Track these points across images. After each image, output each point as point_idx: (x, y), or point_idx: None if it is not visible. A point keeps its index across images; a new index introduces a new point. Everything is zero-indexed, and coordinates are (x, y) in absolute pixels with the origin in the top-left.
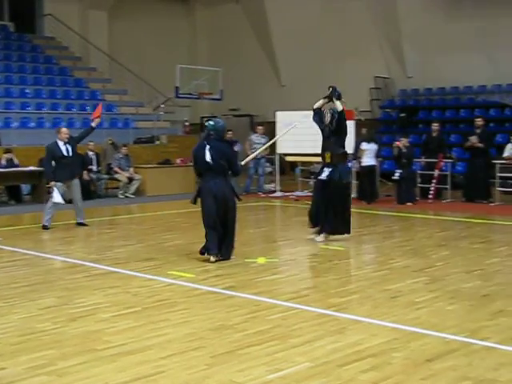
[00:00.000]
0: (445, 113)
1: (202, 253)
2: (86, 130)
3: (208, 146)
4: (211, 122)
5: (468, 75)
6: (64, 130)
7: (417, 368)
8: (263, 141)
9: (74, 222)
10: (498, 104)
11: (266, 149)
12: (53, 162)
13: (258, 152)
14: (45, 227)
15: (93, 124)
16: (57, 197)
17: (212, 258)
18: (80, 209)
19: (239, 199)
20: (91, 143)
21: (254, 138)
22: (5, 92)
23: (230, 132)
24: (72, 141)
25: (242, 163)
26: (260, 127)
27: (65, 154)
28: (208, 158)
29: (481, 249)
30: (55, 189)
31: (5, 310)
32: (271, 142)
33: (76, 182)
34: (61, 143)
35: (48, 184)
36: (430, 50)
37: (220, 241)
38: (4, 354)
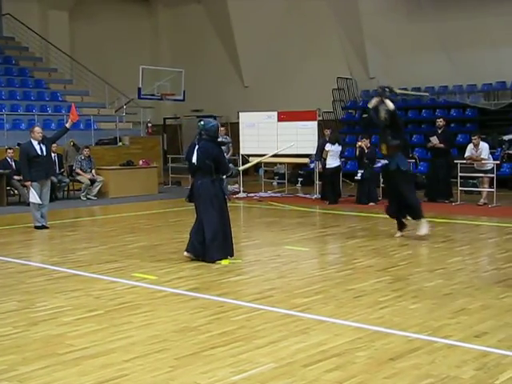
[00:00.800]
0: (407, 113)
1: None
2: (60, 130)
3: (197, 147)
4: (202, 122)
5: (429, 76)
6: (37, 129)
7: (380, 367)
8: (224, 141)
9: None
10: (459, 104)
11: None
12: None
13: (258, 160)
14: (38, 227)
15: (67, 124)
16: (33, 197)
17: (185, 254)
18: (45, 211)
19: (229, 199)
20: (53, 145)
21: None
22: None
23: (222, 128)
24: (46, 140)
25: (240, 168)
26: (222, 128)
27: (39, 153)
28: (194, 158)
29: (443, 248)
30: (32, 189)
31: None
32: (271, 154)
33: (48, 183)
34: (35, 142)
35: (25, 184)
36: (392, 51)
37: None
38: None
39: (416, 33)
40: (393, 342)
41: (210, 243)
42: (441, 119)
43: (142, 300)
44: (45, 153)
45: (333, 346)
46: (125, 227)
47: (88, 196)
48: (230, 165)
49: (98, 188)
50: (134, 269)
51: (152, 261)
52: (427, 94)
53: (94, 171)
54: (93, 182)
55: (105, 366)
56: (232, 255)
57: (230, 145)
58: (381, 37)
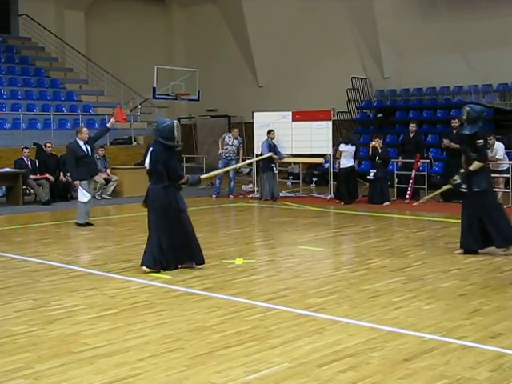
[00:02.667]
0: (422, 113)
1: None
2: (101, 130)
3: (150, 149)
4: (155, 122)
5: (444, 76)
6: (85, 129)
7: (394, 367)
8: (235, 143)
9: (50, 223)
10: (474, 104)
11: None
12: None
13: (225, 170)
14: (80, 225)
15: (108, 124)
16: (82, 195)
17: (145, 269)
18: (88, 208)
19: (182, 209)
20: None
21: (227, 138)
22: None
23: (236, 130)
24: (90, 140)
25: (203, 176)
26: (236, 130)
27: (86, 152)
28: (147, 162)
29: (457, 248)
30: (80, 188)
31: None
32: (245, 162)
33: (92, 182)
34: (81, 143)
35: (73, 183)
36: (407, 51)
37: (174, 250)
38: None
39: (431, 33)
40: (407, 342)
41: (148, 250)
42: (456, 119)
43: (157, 299)
44: (90, 152)
45: (347, 346)
46: (139, 226)
47: (103, 195)
48: (188, 176)
49: (112, 187)
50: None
51: None
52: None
53: (108, 171)
54: (107, 181)
55: (119, 365)
56: (203, 263)
57: (241, 146)
58: (395, 37)
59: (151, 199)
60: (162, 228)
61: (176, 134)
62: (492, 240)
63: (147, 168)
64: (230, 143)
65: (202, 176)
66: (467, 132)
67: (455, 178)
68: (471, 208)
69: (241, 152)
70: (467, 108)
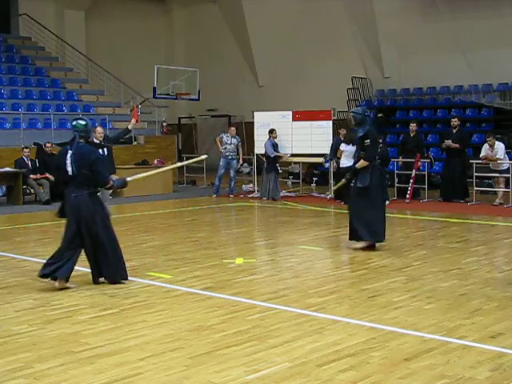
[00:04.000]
0: (422, 113)
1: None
2: (122, 130)
3: (70, 152)
4: (82, 122)
5: (445, 75)
6: (98, 129)
7: (395, 367)
8: (234, 141)
9: (50, 223)
10: (474, 104)
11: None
12: None
13: (152, 173)
14: None
15: (129, 126)
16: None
17: (57, 284)
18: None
19: (108, 216)
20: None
21: (225, 137)
22: None
23: (232, 128)
24: (107, 140)
25: (129, 179)
26: (232, 128)
27: (100, 152)
28: (69, 166)
29: (458, 248)
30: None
31: None
32: (176, 165)
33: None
34: (97, 142)
35: None
36: (407, 51)
37: (95, 262)
38: None
39: (431, 32)
40: (407, 342)
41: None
42: (455, 119)
43: (157, 299)
44: (106, 152)
45: (347, 345)
46: (139, 226)
47: None
48: (115, 176)
49: None
50: (148, 268)
51: (166, 260)
52: None
53: None
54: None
55: (119, 365)
56: (126, 278)
57: (240, 145)
58: (396, 36)
59: (75, 208)
60: (86, 239)
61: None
62: (360, 236)
63: (69, 173)
64: (229, 142)
65: (128, 178)
66: (360, 133)
67: (347, 174)
68: (353, 202)
69: (240, 151)
70: (351, 114)
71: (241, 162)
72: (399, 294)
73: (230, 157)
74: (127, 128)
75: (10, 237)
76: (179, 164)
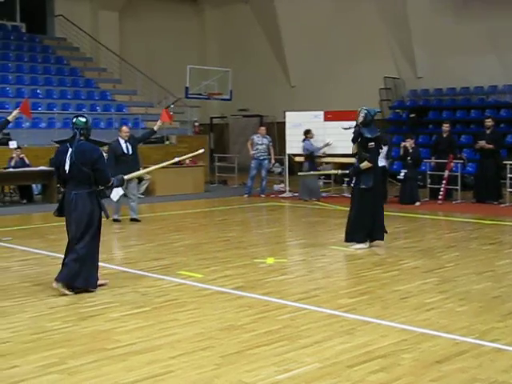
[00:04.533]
0: (455, 113)
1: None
2: (148, 131)
3: (70, 150)
4: (82, 119)
5: (479, 75)
6: (124, 128)
7: (426, 369)
8: (265, 141)
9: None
10: (508, 104)
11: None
12: None
13: (145, 171)
14: (115, 220)
15: (155, 127)
16: (114, 194)
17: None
18: (134, 206)
19: (106, 217)
20: None
21: (256, 138)
22: (16, 92)
23: (262, 128)
24: (133, 140)
25: (126, 177)
26: (262, 128)
27: (125, 151)
28: (67, 164)
29: (491, 250)
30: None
31: (16, 309)
32: (171, 161)
33: (130, 181)
34: (122, 141)
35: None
36: (441, 50)
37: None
38: (16, 353)
39: (465, 32)
40: (439, 344)
41: (78, 266)
42: (489, 119)
43: (188, 298)
44: (130, 151)
45: (378, 347)
46: (171, 225)
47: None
48: (113, 179)
49: (145, 186)
50: (180, 267)
51: (198, 259)
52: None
53: (141, 169)
54: (140, 180)
55: (151, 363)
56: (95, 287)
57: (271, 145)
58: (429, 36)
59: (72, 207)
60: (89, 240)
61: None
62: (356, 238)
63: (67, 171)
64: (260, 142)
65: (126, 177)
66: (369, 136)
67: (350, 169)
68: (356, 203)
69: (272, 151)
70: (364, 111)
71: (272, 161)
72: (431, 295)
73: (261, 157)
74: (153, 129)
75: (44, 234)
76: (176, 159)
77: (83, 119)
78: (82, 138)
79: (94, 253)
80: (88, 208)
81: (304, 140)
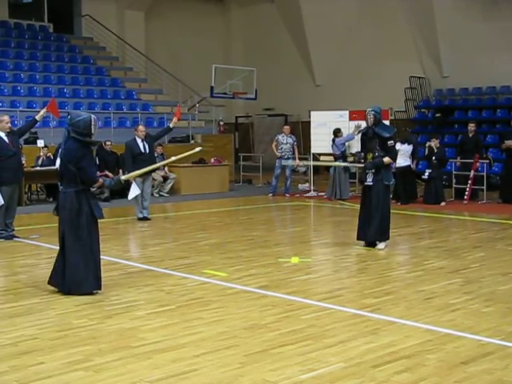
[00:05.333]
0: (481, 113)
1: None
2: (163, 129)
3: (62, 147)
4: (69, 116)
5: (505, 75)
6: (140, 127)
7: (451, 370)
8: (290, 140)
9: (109, 220)
10: None
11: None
12: None
13: (145, 169)
14: (140, 219)
15: (170, 124)
16: (133, 192)
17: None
18: (146, 205)
19: (100, 217)
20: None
21: (281, 138)
22: (43, 91)
23: (287, 127)
24: (149, 138)
25: (123, 177)
26: (286, 127)
27: (142, 150)
28: (57, 162)
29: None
30: (133, 183)
31: (43, 306)
32: (168, 161)
33: (150, 178)
34: (139, 140)
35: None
36: (466, 50)
37: (63, 264)
38: (43, 349)
39: (491, 31)
40: (464, 345)
41: (73, 270)
42: None
43: (213, 296)
44: (147, 150)
45: (402, 347)
46: (196, 224)
47: (161, 193)
48: (103, 179)
49: (170, 185)
50: (204, 265)
51: (222, 258)
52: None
53: (166, 168)
54: (165, 179)
55: (176, 361)
56: (100, 288)
57: (296, 144)
58: (455, 35)
59: (62, 206)
60: (81, 239)
61: (93, 129)
62: (369, 236)
63: (58, 169)
64: (285, 141)
65: (122, 177)
66: (387, 135)
67: (367, 163)
68: (373, 196)
69: (296, 150)
70: (372, 112)
71: (297, 162)
72: (456, 296)
73: (285, 156)
74: (169, 126)
75: None
76: (173, 158)
77: (68, 116)
78: (72, 135)
79: (82, 255)
80: (75, 207)
81: (333, 139)
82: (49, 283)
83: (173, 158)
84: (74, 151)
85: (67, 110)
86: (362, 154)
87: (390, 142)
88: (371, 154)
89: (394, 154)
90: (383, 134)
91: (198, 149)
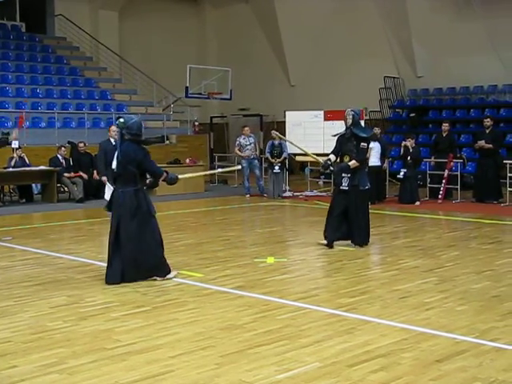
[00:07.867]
0: (455, 113)
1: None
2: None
3: (118, 150)
4: (122, 120)
5: (478, 75)
6: (113, 127)
7: (426, 368)
8: (252, 140)
9: (84, 221)
10: (508, 104)
11: None
12: None
13: (198, 174)
14: None
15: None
16: (108, 191)
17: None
18: None
19: (153, 212)
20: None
21: (242, 140)
22: (16, 92)
23: (246, 128)
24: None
25: (181, 176)
26: (246, 128)
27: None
28: (114, 163)
29: (491, 249)
30: (107, 184)
31: (16, 309)
32: (219, 170)
33: None
34: (112, 140)
35: (102, 179)
36: (441, 50)
37: (124, 263)
38: (16, 352)
39: (465, 31)
40: (439, 343)
41: (132, 261)
42: (488, 119)
43: (188, 297)
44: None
45: (378, 346)
46: (172, 225)
47: None
48: (167, 173)
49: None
50: (180, 266)
51: (198, 258)
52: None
53: None
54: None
55: (151, 362)
56: (169, 272)
57: (256, 141)
58: (429, 35)
59: (119, 203)
60: (142, 232)
61: (143, 130)
62: (352, 236)
63: (115, 170)
64: (248, 143)
65: (181, 176)
66: (364, 135)
67: (335, 167)
68: (351, 202)
69: (257, 147)
70: (352, 113)
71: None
72: (431, 294)
73: (251, 156)
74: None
75: (44, 234)
76: (220, 170)
77: (122, 120)
78: (127, 137)
79: (147, 243)
80: (134, 204)
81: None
82: (108, 283)
83: (218, 170)
84: (133, 153)
85: (40, 111)
86: (329, 162)
87: (363, 144)
88: (348, 157)
89: (362, 157)
90: (360, 134)
91: (238, 167)
